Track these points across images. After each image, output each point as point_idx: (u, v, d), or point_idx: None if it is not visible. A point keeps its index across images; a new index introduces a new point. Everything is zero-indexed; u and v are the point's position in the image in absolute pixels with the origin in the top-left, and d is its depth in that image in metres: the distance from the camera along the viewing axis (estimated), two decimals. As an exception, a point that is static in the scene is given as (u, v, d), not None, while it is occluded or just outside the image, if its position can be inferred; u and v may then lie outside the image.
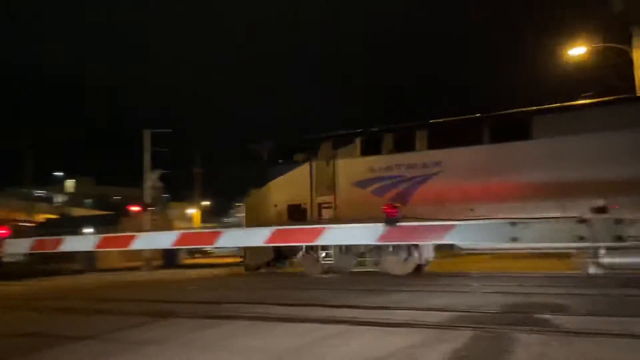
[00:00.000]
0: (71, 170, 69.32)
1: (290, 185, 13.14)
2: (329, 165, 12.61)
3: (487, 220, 6.08)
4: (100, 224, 28.60)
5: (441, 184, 11.20)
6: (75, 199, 62.80)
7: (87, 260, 20.24)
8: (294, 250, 12.03)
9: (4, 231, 8.20)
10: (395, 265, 11.23)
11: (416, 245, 10.89)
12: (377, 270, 11.69)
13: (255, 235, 6.74)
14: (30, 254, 12.65)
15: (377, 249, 11.34)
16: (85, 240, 8.29)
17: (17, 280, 14.14)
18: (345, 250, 11.73)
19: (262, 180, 13.79)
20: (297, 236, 6.69)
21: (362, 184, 12.12)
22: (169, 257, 23.70)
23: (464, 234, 5.66)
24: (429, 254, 11.72)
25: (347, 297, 7.57)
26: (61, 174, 68.20)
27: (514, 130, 10.81)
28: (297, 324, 5.36)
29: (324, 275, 11.64)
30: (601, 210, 6.40)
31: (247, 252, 13.18)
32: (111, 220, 32.11)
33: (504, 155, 10.73)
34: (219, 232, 6.49)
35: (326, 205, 12.62)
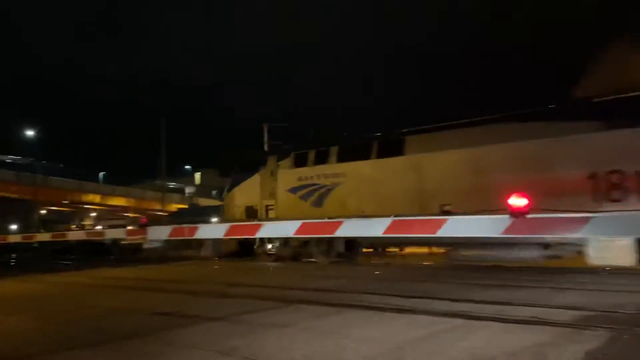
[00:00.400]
0: (199, 163, 74.65)
1: (247, 190, 16.38)
2: (273, 175, 15.61)
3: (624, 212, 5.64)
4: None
5: (344, 190, 13.84)
6: (202, 190, 67.50)
7: (213, 247, 21.78)
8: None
9: (144, 219, 9.26)
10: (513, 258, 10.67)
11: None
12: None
13: (376, 225, 6.82)
14: (167, 241, 14.01)
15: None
16: (217, 229, 8.94)
17: (155, 264, 15.68)
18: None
19: (232, 185, 17.44)
20: (417, 227, 6.66)
21: (293, 190, 14.87)
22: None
23: (601, 227, 5.25)
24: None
25: (465, 291, 7.34)
26: (189, 167, 73.85)
27: (393, 147, 13.32)
28: (414, 316, 5.34)
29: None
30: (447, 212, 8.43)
31: (208, 243, 16.21)
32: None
33: (385, 168, 13.25)
34: (340, 222, 6.65)
35: (270, 207, 15.49)
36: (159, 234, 8.88)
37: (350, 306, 6.10)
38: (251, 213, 15.84)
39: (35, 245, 25.88)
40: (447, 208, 10.90)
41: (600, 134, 10.07)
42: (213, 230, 8.87)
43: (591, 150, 10.17)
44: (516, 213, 5.33)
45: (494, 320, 4.92)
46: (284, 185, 15.09)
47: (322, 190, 14.12)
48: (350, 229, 6.79)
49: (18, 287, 10.19)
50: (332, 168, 14.11)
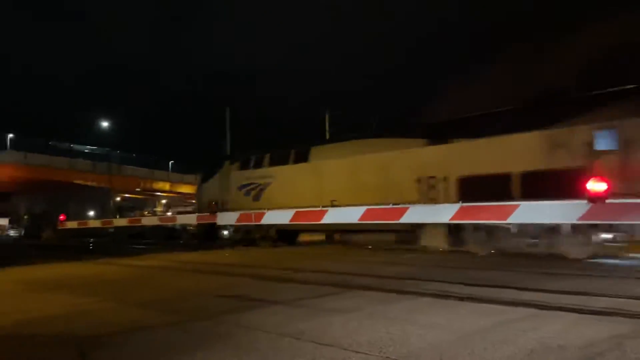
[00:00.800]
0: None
1: (210, 187, 20.27)
2: (228, 175, 19.37)
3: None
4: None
5: (273, 188, 17.35)
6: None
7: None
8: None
9: (214, 206, 9.65)
10: (573, 247, 10.15)
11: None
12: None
13: (443, 211, 6.72)
14: (236, 229, 14.54)
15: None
16: (282, 214, 9.10)
17: (217, 249, 16.23)
18: None
19: (200, 183, 21.66)
20: (484, 214, 6.50)
21: (240, 187, 18.55)
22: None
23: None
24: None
25: (532, 280, 7.09)
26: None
27: (302, 156, 16.96)
28: (480, 304, 5.22)
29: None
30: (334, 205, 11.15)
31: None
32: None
33: (297, 171, 16.77)
34: (405, 208, 6.59)
35: (225, 201, 18.80)
36: (228, 219, 9.19)
37: (412, 293, 6.05)
38: (213, 206, 19.00)
39: (112, 230, 27.49)
40: (335, 203, 13.36)
41: (424, 149, 13.54)
42: (279, 215, 9.04)
43: (417, 160, 13.46)
44: (595, 198, 5.04)
45: (567, 311, 4.72)
46: (235, 184, 18.87)
47: (259, 188, 17.89)
48: (414, 215, 6.73)
49: (96, 270, 10.85)
50: (265, 171, 17.92)
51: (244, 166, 19.18)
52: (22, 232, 47.21)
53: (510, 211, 5.79)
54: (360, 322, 4.48)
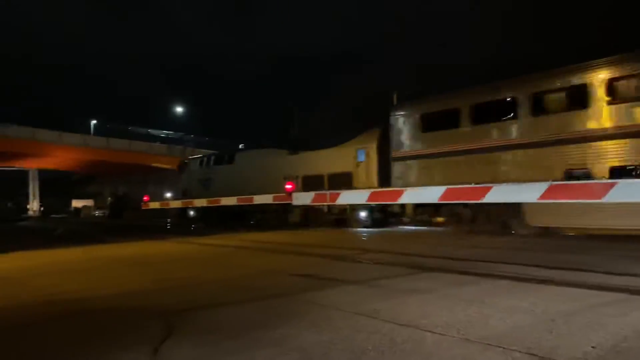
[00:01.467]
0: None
1: (185, 179, 26.70)
2: (192, 172, 26.11)
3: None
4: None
5: (217, 182, 23.59)
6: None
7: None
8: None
9: (290, 186, 9.83)
10: None
11: None
12: None
13: (529, 190, 6.49)
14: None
15: None
16: (359, 195, 9.08)
17: (290, 230, 16.57)
18: None
19: (178, 175, 28.50)
20: (578, 193, 6.22)
21: (199, 181, 24.95)
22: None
23: None
24: None
25: (621, 264, 6.68)
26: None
27: (230, 158, 23.93)
28: (563, 288, 4.99)
29: None
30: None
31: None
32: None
33: (228, 170, 23.41)
34: (488, 187, 6.41)
35: (192, 190, 25.26)
36: (303, 199, 9.36)
37: (489, 276, 5.89)
38: (185, 194, 26.01)
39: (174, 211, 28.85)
40: (250, 195, 17.78)
41: (287, 157, 20.24)
42: (355, 196, 9.04)
43: (283, 165, 20.09)
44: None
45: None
46: (197, 177, 25.44)
47: (209, 181, 24.24)
48: (497, 194, 6.61)
49: (177, 248, 11.43)
50: (212, 168, 24.65)
51: (200, 164, 25.95)
52: (107, 213, 50.47)
53: (607, 188, 5.49)
54: (436, 304, 4.43)
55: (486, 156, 12.11)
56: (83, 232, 22.17)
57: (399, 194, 7.24)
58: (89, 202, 65.27)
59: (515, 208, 11.08)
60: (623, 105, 10.04)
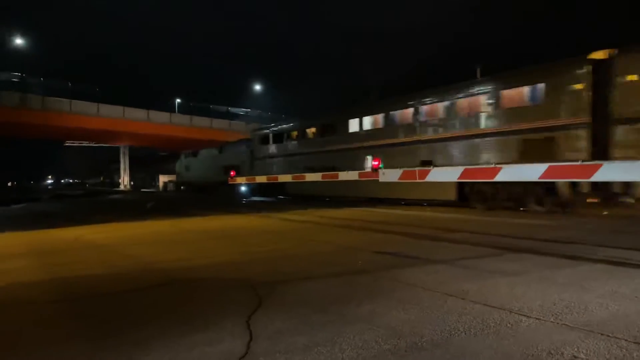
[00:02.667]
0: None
1: (178, 166, 42.52)
2: (183, 160, 40.88)
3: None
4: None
5: (194, 168, 38.57)
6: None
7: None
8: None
9: (376, 162, 9.80)
10: None
11: None
12: None
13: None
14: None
15: None
16: (450, 172, 8.78)
17: (365, 207, 16.54)
18: None
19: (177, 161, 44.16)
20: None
21: (185, 167, 40.18)
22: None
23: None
24: None
25: None
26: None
27: (195, 153, 39.29)
28: (671, 275, 4.62)
29: None
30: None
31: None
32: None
33: (197, 160, 38.40)
34: (598, 165, 6.05)
35: (182, 173, 41.56)
36: (391, 176, 9.27)
37: (582, 259, 5.58)
38: (178, 176, 42.43)
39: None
40: (211, 179, 32.07)
41: (218, 154, 34.10)
42: (445, 173, 8.76)
43: (216, 159, 33.87)
44: None
45: None
46: (185, 164, 39.79)
47: (189, 167, 38.86)
48: (609, 172, 6.40)
49: (257, 222, 11.79)
50: (192, 159, 38.56)
51: (188, 156, 39.66)
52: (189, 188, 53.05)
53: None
54: (528, 286, 4.26)
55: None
56: (171, 205, 23.40)
57: (496, 171, 6.95)
58: (173, 178, 68.89)
59: None
60: None
